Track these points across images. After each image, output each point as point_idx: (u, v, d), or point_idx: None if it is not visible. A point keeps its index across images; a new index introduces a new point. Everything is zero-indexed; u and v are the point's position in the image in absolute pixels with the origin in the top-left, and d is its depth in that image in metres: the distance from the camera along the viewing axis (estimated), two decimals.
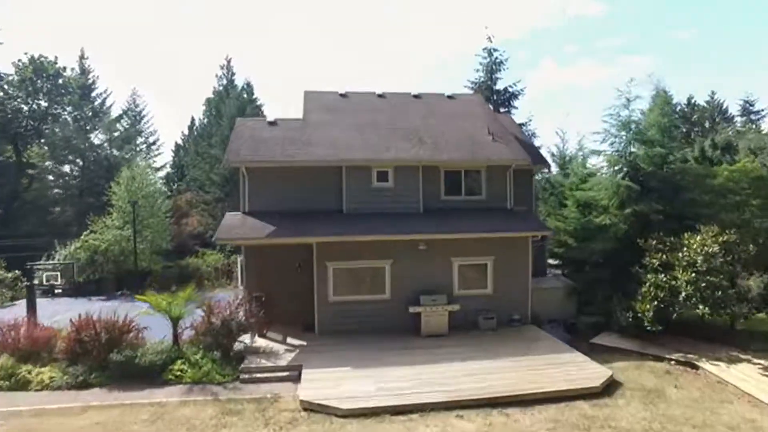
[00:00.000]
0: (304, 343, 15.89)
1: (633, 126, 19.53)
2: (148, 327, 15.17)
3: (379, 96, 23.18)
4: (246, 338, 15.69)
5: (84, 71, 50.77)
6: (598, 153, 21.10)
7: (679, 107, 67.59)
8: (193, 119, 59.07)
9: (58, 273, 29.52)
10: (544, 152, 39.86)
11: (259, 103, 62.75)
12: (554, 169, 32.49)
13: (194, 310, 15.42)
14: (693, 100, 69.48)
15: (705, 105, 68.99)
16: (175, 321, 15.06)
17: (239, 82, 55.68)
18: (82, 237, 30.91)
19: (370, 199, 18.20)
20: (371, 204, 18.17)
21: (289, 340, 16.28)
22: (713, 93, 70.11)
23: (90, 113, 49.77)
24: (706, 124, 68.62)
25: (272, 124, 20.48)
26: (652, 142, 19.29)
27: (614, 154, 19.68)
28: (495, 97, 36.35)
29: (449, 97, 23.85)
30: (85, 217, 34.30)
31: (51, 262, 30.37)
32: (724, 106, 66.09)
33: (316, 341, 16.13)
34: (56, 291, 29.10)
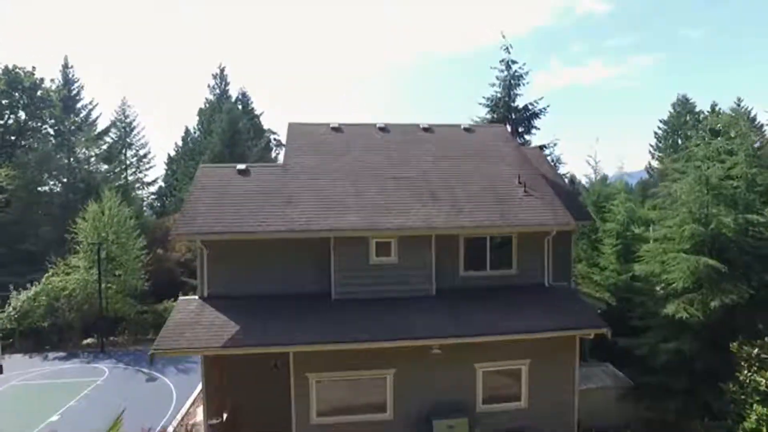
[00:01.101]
0: None
1: (713, 180, 14.53)
2: None
3: (381, 129, 18.44)
4: None
5: (67, 81, 46.27)
6: (661, 224, 16.17)
7: (702, 115, 62.83)
8: (187, 129, 54.61)
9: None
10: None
11: (257, 112, 58.72)
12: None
13: None
14: (717, 108, 64.47)
15: (731, 113, 63.62)
16: None
17: (235, 92, 51.29)
18: (43, 280, 26.47)
19: (366, 280, 13.50)
20: (368, 286, 13.47)
21: None
22: (740, 100, 64.80)
23: (74, 126, 45.32)
24: (732, 133, 63.15)
25: (243, 173, 15.66)
26: (740, 204, 14.41)
27: (689, 220, 14.61)
28: (513, 115, 31.45)
29: (467, 129, 19.04)
30: (66, 244, 29.75)
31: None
32: (752, 114, 60.91)
33: None
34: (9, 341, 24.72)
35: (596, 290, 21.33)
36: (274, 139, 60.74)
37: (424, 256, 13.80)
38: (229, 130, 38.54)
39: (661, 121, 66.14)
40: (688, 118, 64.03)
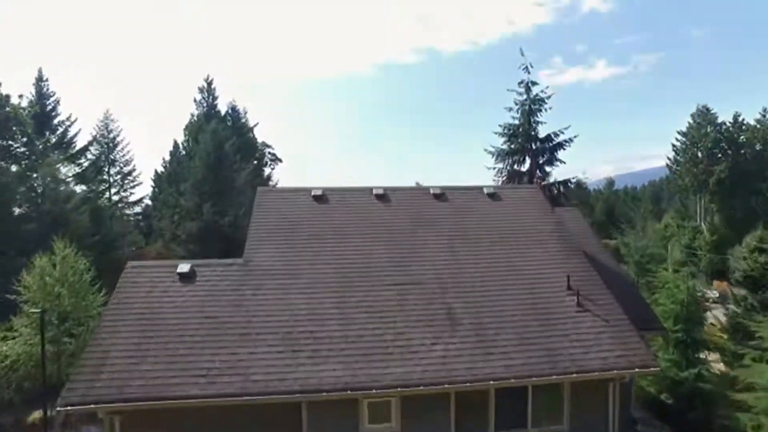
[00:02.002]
0: None
1: None
2: None
3: (379, 197, 13.82)
4: None
5: (42, 95, 41.64)
6: None
7: (724, 127, 57.62)
8: (176, 143, 49.87)
9: None
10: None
11: (251, 124, 53.93)
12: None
13: None
14: (741, 118, 59.07)
15: (756, 124, 58.22)
16: None
17: (224, 105, 46.52)
18: None
19: None
20: None
21: None
22: (766, 110, 59.34)
23: (49, 144, 40.78)
24: (757, 146, 57.75)
25: (186, 277, 10.96)
26: None
27: None
28: (534, 145, 26.75)
29: (491, 195, 14.39)
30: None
31: None
32: None
33: None
34: None
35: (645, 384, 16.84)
36: (269, 154, 56.17)
37: (439, 422, 9.23)
38: (213, 152, 33.90)
39: (679, 133, 61.07)
40: (709, 129, 58.95)
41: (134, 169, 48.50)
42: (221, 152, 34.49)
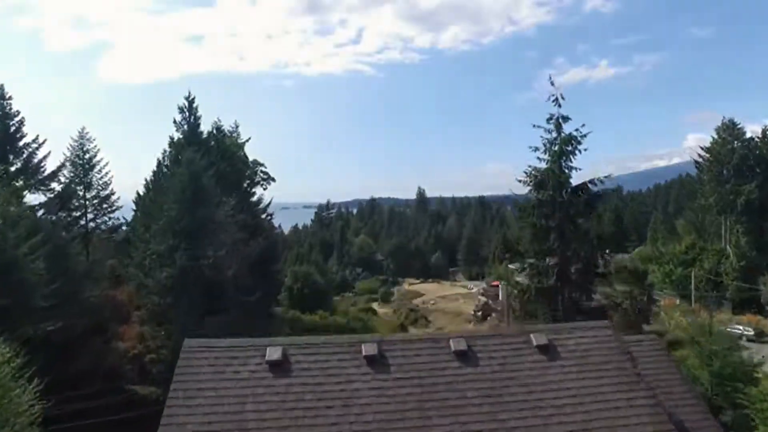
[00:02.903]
0: None
1: None
2: None
3: (370, 360, 8.71)
4: None
5: (6, 115, 36.61)
6: None
7: (752, 142, 52.32)
8: (160, 163, 44.75)
9: None
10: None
11: (241, 139, 48.93)
12: None
13: None
14: None
15: None
16: None
17: (208, 124, 41.29)
18: None
19: None
20: None
21: None
22: None
23: (13, 169, 35.89)
24: None
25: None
26: None
27: None
28: (565, 195, 21.61)
29: (542, 347, 9.24)
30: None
31: None
32: None
33: None
34: None
35: None
36: (262, 173, 51.12)
37: None
38: (189, 186, 28.90)
39: (703, 149, 55.53)
40: (735, 144, 53.69)
41: (113, 193, 43.75)
42: (198, 185, 29.44)
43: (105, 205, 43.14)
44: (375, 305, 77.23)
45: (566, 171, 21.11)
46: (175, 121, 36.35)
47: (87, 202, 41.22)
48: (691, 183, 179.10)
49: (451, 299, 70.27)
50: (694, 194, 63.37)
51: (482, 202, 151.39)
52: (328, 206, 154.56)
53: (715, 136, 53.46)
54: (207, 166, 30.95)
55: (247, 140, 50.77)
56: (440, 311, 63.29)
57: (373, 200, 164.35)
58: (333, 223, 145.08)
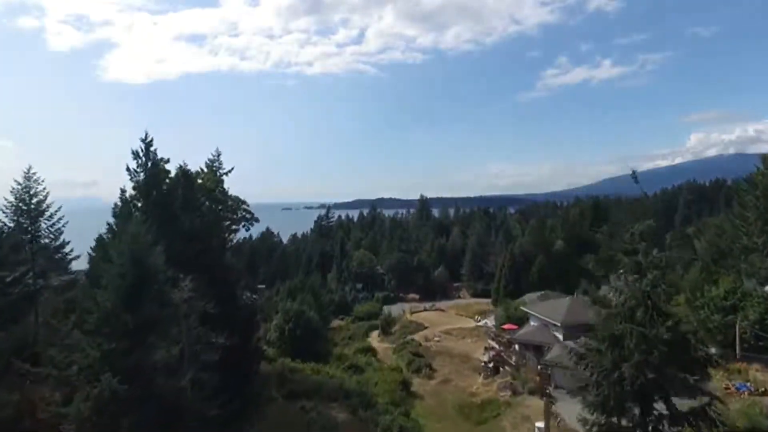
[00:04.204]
0: None
1: None
2: None
3: None
4: None
5: None
6: None
7: None
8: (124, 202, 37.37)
9: None
10: None
11: (223, 170, 41.94)
12: None
13: None
14: None
15: None
16: None
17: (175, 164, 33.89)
18: None
19: None
20: None
21: None
22: None
23: None
24: None
25: None
26: None
27: None
28: None
29: None
30: None
31: None
32: None
33: None
34: None
35: None
36: (244, 211, 43.78)
37: None
38: (130, 274, 21.74)
39: (746, 180, 48.23)
40: None
41: (66, 243, 36.65)
42: (143, 272, 22.23)
43: (58, 256, 36.28)
44: (374, 336, 70.15)
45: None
46: (128, 169, 28.97)
47: (34, 256, 34.14)
48: (699, 189, 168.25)
49: (458, 335, 63.05)
50: (721, 228, 56.18)
51: (486, 211, 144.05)
52: (327, 215, 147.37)
53: (760, 167, 45.87)
54: (157, 239, 23.64)
55: (229, 171, 43.55)
56: (446, 353, 56.03)
57: (374, 209, 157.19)
58: (333, 232, 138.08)
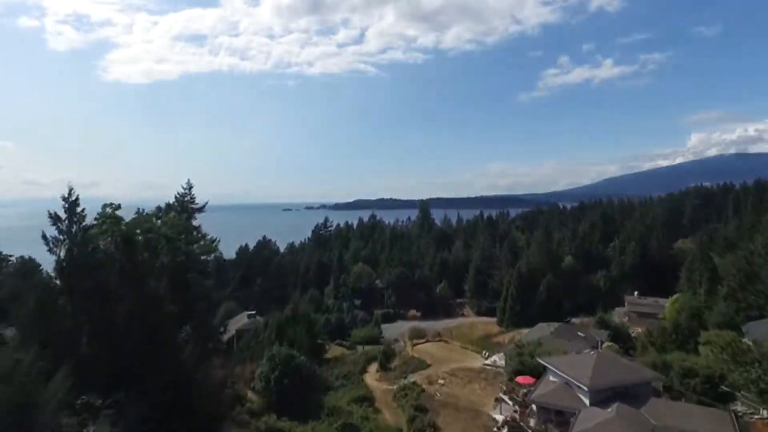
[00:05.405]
0: None
1: None
2: None
3: None
4: None
5: None
6: None
7: None
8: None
9: None
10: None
11: (193, 205, 35.32)
12: None
13: None
14: None
15: None
16: None
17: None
18: None
19: None
20: None
21: None
22: None
23: None
24: None
25: None
26: None
27: None
28: None
29: None
30: None
31: None
32: None
33: None
34: None
35: None
36: (216, 258, 36.58)
37: None
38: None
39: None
40: None
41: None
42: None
43: None
44: (372, 371, 63.11)
45: None
46: (45, 238, 21.73)
47: None
48: (706, 193, 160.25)
49: (464, 378, 55.83)
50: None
51: (489, 220, 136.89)
52: (326, 225, 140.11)
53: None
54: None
55: (201, 208, 36.43)
56: (452, 405, 48.82)
57: (374, 217, 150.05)
58: (331, 242, 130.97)
